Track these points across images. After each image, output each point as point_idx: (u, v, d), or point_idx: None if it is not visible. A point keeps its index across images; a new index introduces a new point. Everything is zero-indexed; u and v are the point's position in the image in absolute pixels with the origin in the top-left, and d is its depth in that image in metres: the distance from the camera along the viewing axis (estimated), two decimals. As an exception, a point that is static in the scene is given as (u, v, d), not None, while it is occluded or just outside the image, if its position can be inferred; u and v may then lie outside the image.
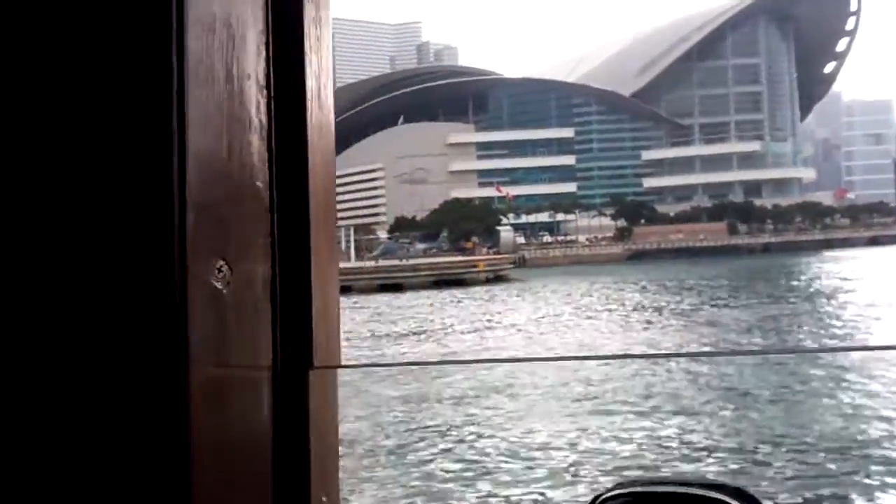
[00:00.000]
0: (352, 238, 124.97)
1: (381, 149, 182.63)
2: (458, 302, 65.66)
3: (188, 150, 1.12)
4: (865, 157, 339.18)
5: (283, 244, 1.30)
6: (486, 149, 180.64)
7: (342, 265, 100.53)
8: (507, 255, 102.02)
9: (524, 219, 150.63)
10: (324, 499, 1.33)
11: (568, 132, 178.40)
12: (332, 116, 1.42)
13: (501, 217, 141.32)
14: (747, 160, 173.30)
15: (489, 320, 50.07)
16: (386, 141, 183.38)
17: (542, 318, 50.26)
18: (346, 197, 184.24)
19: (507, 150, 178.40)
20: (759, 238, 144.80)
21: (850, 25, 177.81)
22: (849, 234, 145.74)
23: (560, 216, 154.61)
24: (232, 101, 1.22)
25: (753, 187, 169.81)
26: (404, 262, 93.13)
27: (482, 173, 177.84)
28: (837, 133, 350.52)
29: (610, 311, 52.87)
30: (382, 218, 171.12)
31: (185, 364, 1.10)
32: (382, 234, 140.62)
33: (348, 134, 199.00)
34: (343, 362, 1.48)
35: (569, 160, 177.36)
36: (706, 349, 33.94)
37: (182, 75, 1.11)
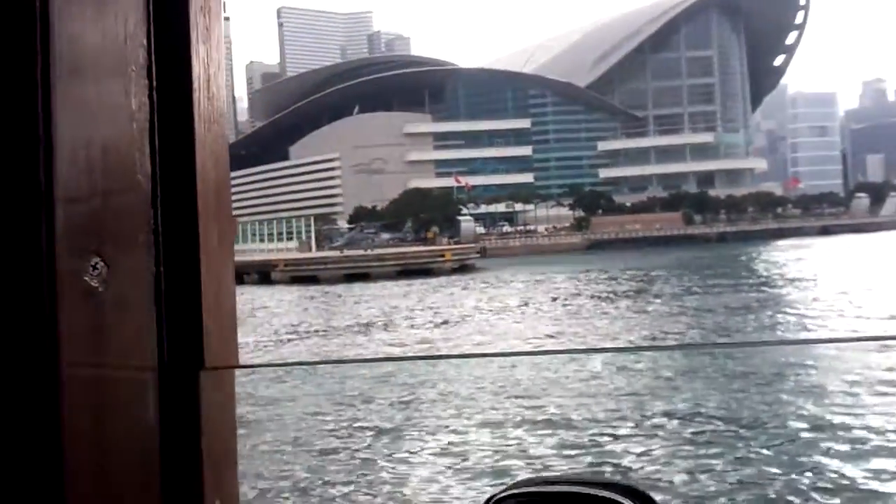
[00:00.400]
0: (312, 228, 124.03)
1: (336, 138, 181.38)
2: (434, 291, 65.57)
3: (55, 140, 1.05)
4: (810, 149, 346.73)
5: (168, 239, 1.25)
6: (442, 139, 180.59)
7: (306, 255, 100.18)
8: (470, 245, 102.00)
9: (483, 209, 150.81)
10: (217, 502, 1.29)
11: (525, 123, 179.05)
12: (223, 107, 1.36)
13: (461, 207, 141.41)
14: (700, 151, 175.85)
15: (477, 307, 50.10)
16: (341, 130, 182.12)
17: (521, 305, 50.40)
18: (302, 186, 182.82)
19: (463, 140, 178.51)
20: (714, 228, 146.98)
21: (798, 19, 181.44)
22: (801, 224, 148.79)
23: (518, 206, 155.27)
24: (109, 90, 1.17)
25: (706, 178, 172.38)
26: (369, 251, 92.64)
27: (439, 163, 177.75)
28: (783, 125, 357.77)
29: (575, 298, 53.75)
30: (339, 208, 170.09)
31: (55, 366, 1.04)
32: (342, 224, 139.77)
33: (302, 123, 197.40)
34: (246, 362, 1.37)
35: (525, 151, 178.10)
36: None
37: (47, 60, 1.05)
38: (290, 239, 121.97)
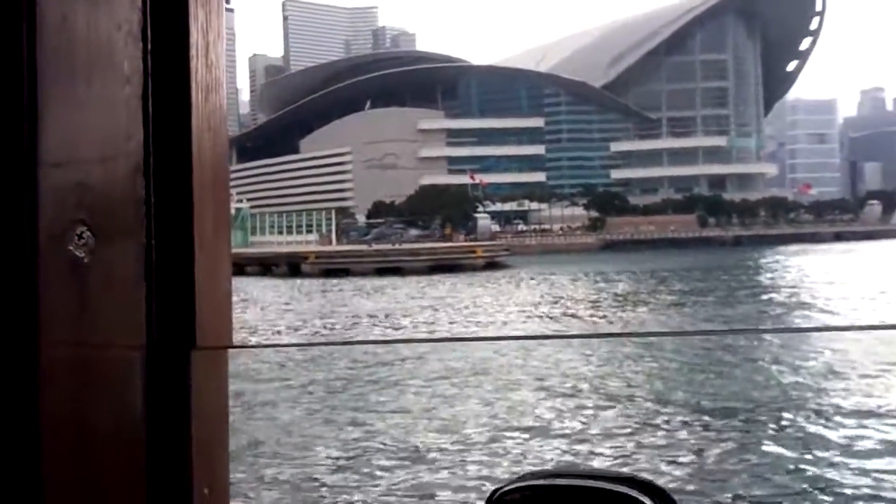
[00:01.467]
0: (333, 221, 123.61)
1: (348, 133, 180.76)
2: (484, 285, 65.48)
3: (40, 101, 1.02)
4: (809, 156, 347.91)
5: (160, 212, 1.20)
6: (455, 136, 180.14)
7: (337, 248, 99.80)
8: (498, 243, 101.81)
9: (497, 207, 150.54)
10: (205, 490, 1.23)
11: (538, 122, 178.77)
12: (222, 77, 1.30)
13: (477, 205, 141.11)
14: (713, 154, 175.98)
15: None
16: (353, 125, 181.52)
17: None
18: (313, 180, 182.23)
19: (476, 137, 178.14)
20: (729, 231, 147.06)
21: (814, 25, 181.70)
22: (815, 230, 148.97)
23: (534, 205, 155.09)
24: (99, 51, 1.14)
25: (718, 181, 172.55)
26: (397, 246, 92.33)
27: (452, 160, 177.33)
28: (782, 131, 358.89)
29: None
30: (350, 202, 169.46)
31: (33, 341, 1.00)
32: (361, 218, 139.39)
33: (311, 117, 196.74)
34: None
35: (538, 150, 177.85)
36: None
37: (33, 20, 1.02)
38: (309, 231, 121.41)
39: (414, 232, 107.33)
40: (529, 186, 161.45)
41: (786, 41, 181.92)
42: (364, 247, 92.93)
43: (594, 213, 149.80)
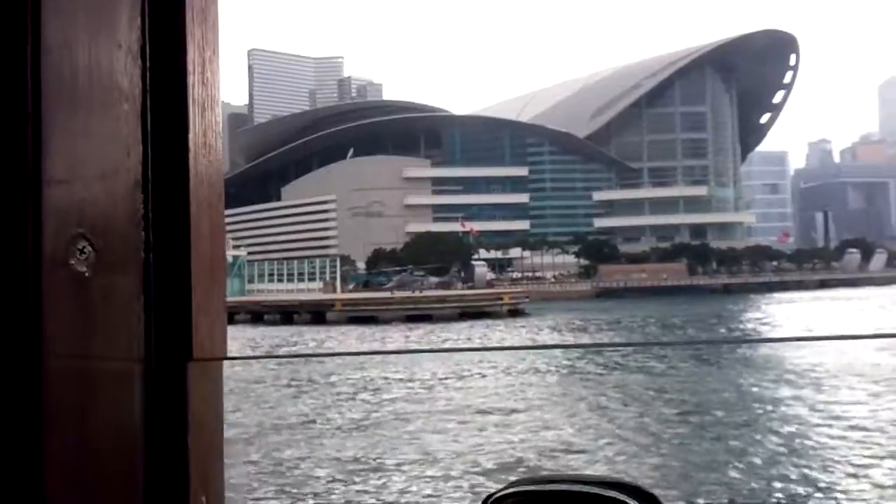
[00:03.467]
0: (338, 268, 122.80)
1: (332, 181, 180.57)
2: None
3: (44, 119, 1.04)
4: (763, 206, 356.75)
5: (158, 226, 1.21)
6: (440, 184, 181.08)
7: (362, 295, 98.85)
8: (517, 290, 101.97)
9: (488, 254, 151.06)
10: (203, 499, 1.25)
11: (522, 171, 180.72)
12: (218, 94, 1.32)
13: (472, 252, 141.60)
14: (693, 203, 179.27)
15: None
16: (338, 173, 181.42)
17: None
18: (296, 228, 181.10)
19: (461, 185, 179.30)
20: (717, 279, 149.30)
21: (787, 79, 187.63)
22: (800, 277, 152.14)
23: (517, 252, 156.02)
24: (99, 70, 1.14)
25: (699, 230, 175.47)
26: (417, 293, 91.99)
27: (437, 208, 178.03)
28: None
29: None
30: (333, 250, 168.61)
31: (37, 353, 1.01)
32: (360, 265, 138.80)
33: (290, 165, 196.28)
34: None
35: (523, 198, 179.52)
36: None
37: (37, 38, 1.04)
38: (311, 279, 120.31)
39: (434, 279, 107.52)
40: (516, 234, 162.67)
41: (760, 94, 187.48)
42: (386, 294, 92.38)
43: (584, 261, 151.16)
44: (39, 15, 1.04)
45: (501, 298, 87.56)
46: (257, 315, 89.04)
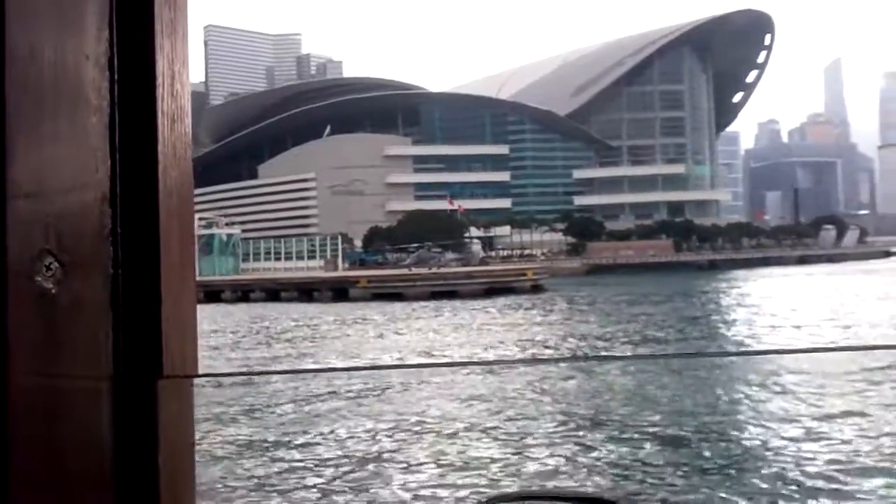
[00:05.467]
0: (339, 246, 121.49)
1: (311, 159, 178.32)
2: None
3: (7, 131, 1.02)
4: (720, 186, 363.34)
5: (126, 241, 1.19)
6: (422, 162, 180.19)
7: (386, 272, 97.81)
8: (538, 265, 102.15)
9: (478, 232, 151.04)
10: None
11: (503, 149, 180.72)
12: (187, 106, 1.30)
13: (465, 230, 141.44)
14: (671, 181, 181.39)
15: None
16: (317, 151, 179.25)
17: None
18: (275, 206, 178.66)
19: (443, 164, 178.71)
20: (702, 255, 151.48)
21: (761, 59, 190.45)
22: (780, 253, 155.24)
23: (500, 230, 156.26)
24: (67, 82, 1.13)
25: (677, 207, 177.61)
26: (434, 270, 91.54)
27: (418, 186, 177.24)
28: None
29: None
30: (314, 229, 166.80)
31: (2, 372, 0.99)
32: (358, 243, 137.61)
33: (264, 143, 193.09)
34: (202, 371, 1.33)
35: (504, 176, 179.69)
36: None
37: (2, 49, 1.03)
38: (311, 258, 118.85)
39: (450, 256, 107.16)
40: (497, 212, 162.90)
41: (734, 73, 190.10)
42: (405, 271, 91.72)
43: (571, 239, 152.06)
44: (4, 25, 1.03)
45: (525, 274, 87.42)
46: (273, 292, 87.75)
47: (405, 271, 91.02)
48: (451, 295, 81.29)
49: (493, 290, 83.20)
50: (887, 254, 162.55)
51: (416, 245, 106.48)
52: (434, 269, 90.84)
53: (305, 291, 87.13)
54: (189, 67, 1.32)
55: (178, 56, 1.28)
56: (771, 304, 62.29)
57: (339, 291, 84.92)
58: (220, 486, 15.43)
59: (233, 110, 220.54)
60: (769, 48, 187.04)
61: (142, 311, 1.20)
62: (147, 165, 1.21)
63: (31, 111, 1.06)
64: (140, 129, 1.21)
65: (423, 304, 75.29)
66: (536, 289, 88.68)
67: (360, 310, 70.21)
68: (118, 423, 1.16)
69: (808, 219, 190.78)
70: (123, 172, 1.19)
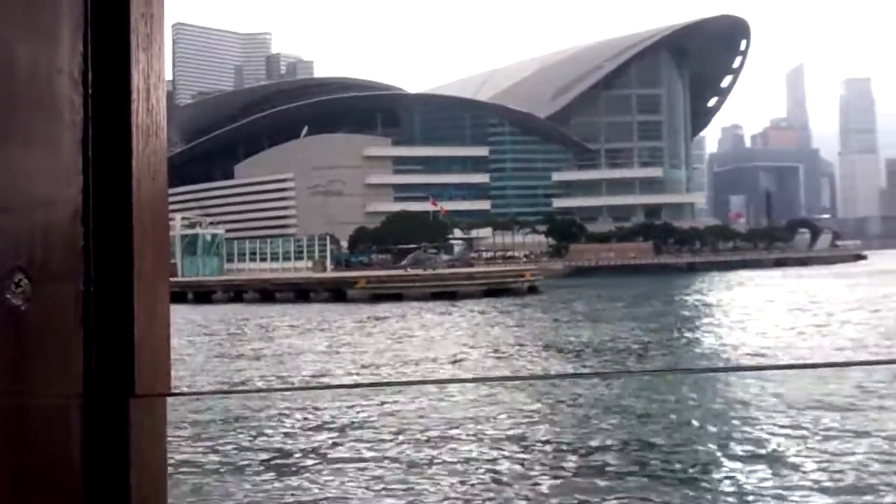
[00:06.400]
0: (327, 247, 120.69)
1: (288, 158, 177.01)
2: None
3: None
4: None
5: (99, 258, 1.18)
6: (402, 163, 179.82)
7: (386, 272, 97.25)
8: (533, 267, 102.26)
9: (460, 234, 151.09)
10: None
11: (483, 151, 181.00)
12: (163, 121, 1.29)
13: (448, 232, 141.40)
14: (648, 185, 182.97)
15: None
16: (294, 151, 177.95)
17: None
18: (253, 206, 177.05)
19: (422, 165, 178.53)
20: (682, 257, 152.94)
21: (736, 64, 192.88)
22: (758, 256, 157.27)
23: (486, 232, 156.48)
24: (40, 96, 1.11)
25: (653, 210, 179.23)
26: (430, 271, 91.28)
27: (398, 187, 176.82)
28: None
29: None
30: (293, 230, 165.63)
31: None
32: (344, 244, 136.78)
33: (240, 143, 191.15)
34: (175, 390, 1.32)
35: (483, 178, 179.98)
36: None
37: None
38: (298, 258, 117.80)
39: (445, 257, 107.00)
40: (477, 214, 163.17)
41: (709, 78, 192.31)
42: (402, 272, 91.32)
43: (552, 241, 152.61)
44: None
45: (523, 276, 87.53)
46: (267, 293, 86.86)
47: (402, 272, 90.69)
48: (451, 296, 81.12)
49: (491, 292, 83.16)
50: (857, 257, 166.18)
51: (413, 245, 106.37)
52: (430, 270, 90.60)
53: (301, 292, 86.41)
54: (165, 82, 1.30)
55: (153, 70, 1.27)
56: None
57: (337, 293, 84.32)
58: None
59: (204, 109, 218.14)
60: (745, 53, 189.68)
61: (114, 329, 1.18)
62: (121, 181, 1.20)
63: (3, 125, 1.05)
64: (114, 144, 1.20)
65: (428, 304, 74.99)
66: (533, 290, 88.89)
67: (370, 310, 69.50)
68: (89, 443, 1.15)
69: (774, 222, 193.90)
70: (97, 188, 1.18)
